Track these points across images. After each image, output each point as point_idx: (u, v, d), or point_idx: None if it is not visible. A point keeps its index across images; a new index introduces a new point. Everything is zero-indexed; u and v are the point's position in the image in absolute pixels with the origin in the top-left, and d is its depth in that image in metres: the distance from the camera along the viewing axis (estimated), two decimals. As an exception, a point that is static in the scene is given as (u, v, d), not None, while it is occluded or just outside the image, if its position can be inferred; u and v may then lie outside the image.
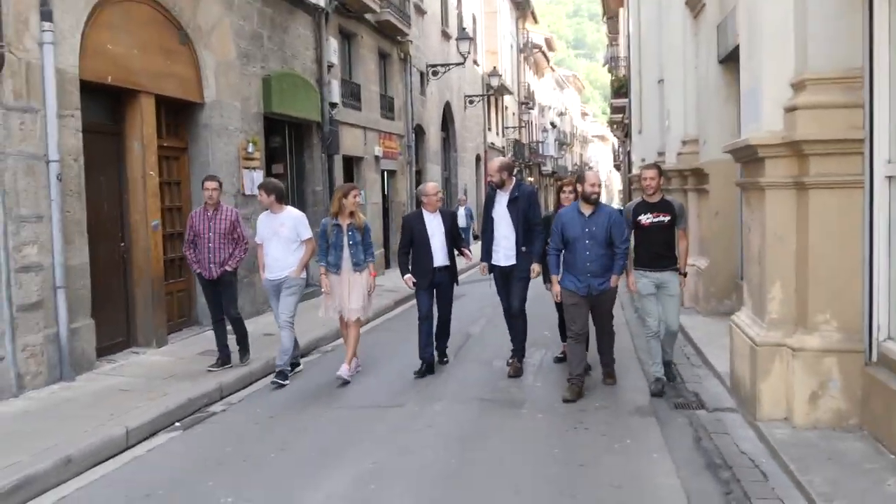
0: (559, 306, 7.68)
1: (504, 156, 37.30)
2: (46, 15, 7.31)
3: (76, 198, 7.82)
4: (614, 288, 7.01)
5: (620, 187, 58.23)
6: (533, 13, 47.44)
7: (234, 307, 8.13)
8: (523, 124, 44.74)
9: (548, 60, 54.94)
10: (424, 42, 22.51)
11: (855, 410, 5.43)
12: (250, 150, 11.41)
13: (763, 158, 5.71)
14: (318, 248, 7.85)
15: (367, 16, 16.77)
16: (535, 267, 7.65)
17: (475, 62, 29.99)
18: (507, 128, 39.52)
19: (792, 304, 5.73)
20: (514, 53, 42.35)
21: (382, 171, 18.68)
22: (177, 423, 6.53)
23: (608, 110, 45.35)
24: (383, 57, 18.81)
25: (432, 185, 8.28)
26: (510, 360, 7.93)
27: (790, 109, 5.55)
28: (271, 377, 7.76)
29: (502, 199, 7.80)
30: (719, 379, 7.20)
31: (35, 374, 7.20)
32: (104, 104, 8.83)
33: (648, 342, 7.12)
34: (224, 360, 8.05)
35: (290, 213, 7.90)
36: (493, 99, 34.77)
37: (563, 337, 7.90)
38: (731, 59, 8.99)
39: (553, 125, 56.83)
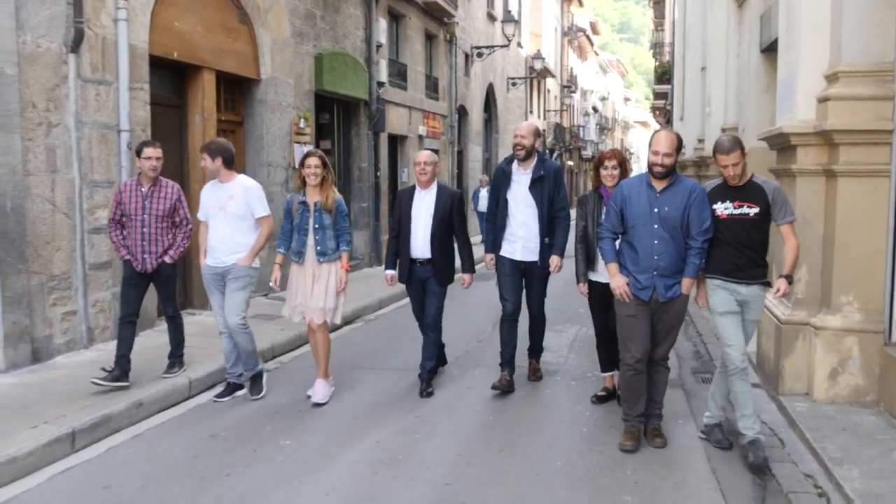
0: (602, 317, 6.09)
1: (545, 140, 37.49)
2: (121, -7, 7.81)
3: (143, 166, 8.32)
4: (685, 298, 5.14)
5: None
6: (578, -4, 47.34)
7: (171, 305, 6.61)
8: (565, 108, 44.77)
9: (591, 44, 54.77)
10: (470, 24, 22.80)
11: (872, 387, 5.75)
12: (302, 125, 11.88)
13: (795, 146, 6.02)
14: (280, 231, 6.43)
15: (416, -3, 17.13)
16: (556, 259, 6.35)
17: (519, 45, 30.16)
18: (548, 111, 39.62)
19: (817, 285, 6.04)
20: (558, 36, 42.35)
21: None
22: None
23: (651, 96, 45.18)
24: (430, 38, 19.17)
25: (424, 154, 6.64)
26: (504, 374, 6.52)
27: (823, 100, 5.84)
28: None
29: (522, 178, 6.39)
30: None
31: (103, 328, 7.75)
32: (169, 78, 9.34)
33: (731, 383, 5.02)
34: (120, 373, 6.17)
35: (242, 182, 6.35)
36: (535, 82, 34.91)
37: (606, 364, 6.28)
38: (772, 50, 9.20)
39: (595, 109, 56.72)
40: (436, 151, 19.82)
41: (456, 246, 6.62)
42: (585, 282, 6.02)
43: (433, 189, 6.54)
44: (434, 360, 6.67)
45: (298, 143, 11.88)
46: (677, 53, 20.32)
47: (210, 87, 9.70)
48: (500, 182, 6.54)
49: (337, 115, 14.16)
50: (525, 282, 6.57)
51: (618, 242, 5.23)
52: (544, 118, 38.46)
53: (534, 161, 6.42)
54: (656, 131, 5.24)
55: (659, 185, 5.07)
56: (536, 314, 6.76)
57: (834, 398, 5.85)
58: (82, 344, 7.48)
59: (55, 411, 5.56)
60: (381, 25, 15.06)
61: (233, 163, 6.37)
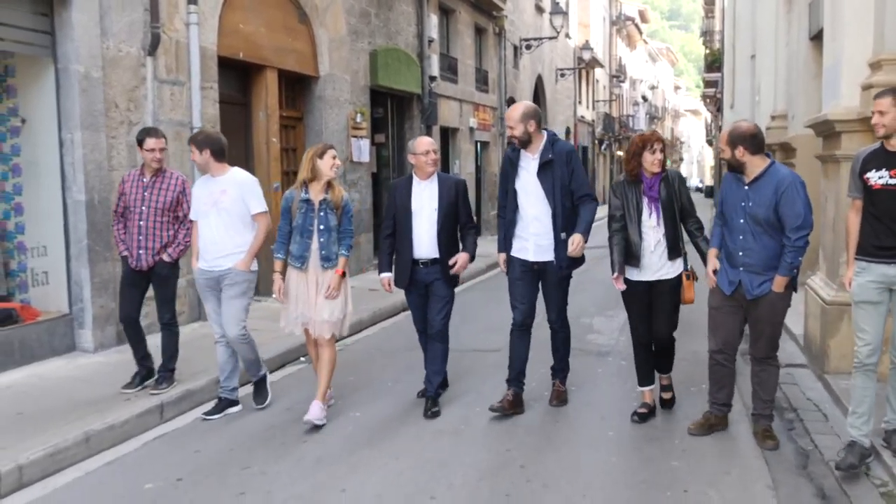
0: (642, 322, 5.45)
1: (594, 130, 37.56)
2: (192, -1, 8.33)
3: (213, 161, 8.84)
4: (779, 296, 4.81)
5: (713, 164, 57.43)
6: (627, -15, 47.14)
7: (168, 310, 6.07)
8: (614, 98, 44.67)
9: (640, 33, 54.44)
10: (518, 16, 23.05)
11: (915, 364, 5.92)
12: (358, 119, 12.34)
13: (839, 133, 6.23)
14: (277, 233, 5.62)
15: (466, -8, 17.47)
16: (577, 237, 5.37)
17: (567, 35, 30.28)
18: (597, 101, 39.62)
19: (861, 267, 6.23)
20: (606, 26, 42.26)
21: (476, 143, 19.45)
22: (302, 358, 7.48)
23: (702, 84, 44.83)
24: (479, 32, 19.50)
25: (426, 140, 5.81)
26: (509, 392, 5.73)
27: (866, 87, 6.04)
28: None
29: (529, 164, 5.55)
30: (794, 340, 7.73)
31: (179, 312, 8.25)
32: (235, 77, 9.85)
33: (853, 375, 4.60)
34: (147, 374, 6.11)
35: (236, 175, 5.72)
36: (584, 72, 34.98)
37: (644, 375, 5.61)
38: (821, 37, 9.33)
39: (644, 99, 56.38)
40: (486, 144, 20.13)
41: (460, 235, 5.88)
42: (621, 273, 5.31)
43: (434, 179, 5.75)
44: (442, 374, 5.93)
45: (355, 136, 12.32)
46: (727, 41, 20.34)
47: (273, 84, 10.19)
48: (506, 170, 5.73)
49: (391, 110, 14.59)
50: (542, 286, 5.70)
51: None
52: (593, 108, 38.48)
53: (541, 143, 5.54)
54: (737, 122, 5.10)
55: (748, 177, 4.79)
56: (557, 325, 5.82)
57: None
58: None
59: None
60: (433, 21, 15.44)
61: (224, 154, 5.70)
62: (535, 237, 5.54)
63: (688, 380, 6.41)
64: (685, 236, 5.40)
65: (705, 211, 23.10)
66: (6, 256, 7.24)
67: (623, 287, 5.34)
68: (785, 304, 4.89)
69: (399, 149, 14.93)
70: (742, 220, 4.80)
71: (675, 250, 5.28)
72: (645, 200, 5.23)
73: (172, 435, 5.48)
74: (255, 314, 7.23)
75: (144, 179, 5.92)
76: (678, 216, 5.30)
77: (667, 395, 5.74)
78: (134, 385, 6.00)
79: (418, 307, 5.95)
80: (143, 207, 5.86)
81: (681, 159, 79.46)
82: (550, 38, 24.70)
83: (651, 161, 5.19)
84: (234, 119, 9.75)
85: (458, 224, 5.81)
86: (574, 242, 5.37)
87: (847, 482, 4.39)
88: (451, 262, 5.69)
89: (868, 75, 6.12)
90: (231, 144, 8.97)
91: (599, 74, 40.12)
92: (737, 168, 4.83)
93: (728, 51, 20.05)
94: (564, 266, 5.54)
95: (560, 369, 6.02)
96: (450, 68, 17.27)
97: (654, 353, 5.57)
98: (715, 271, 5.02)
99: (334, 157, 5.49)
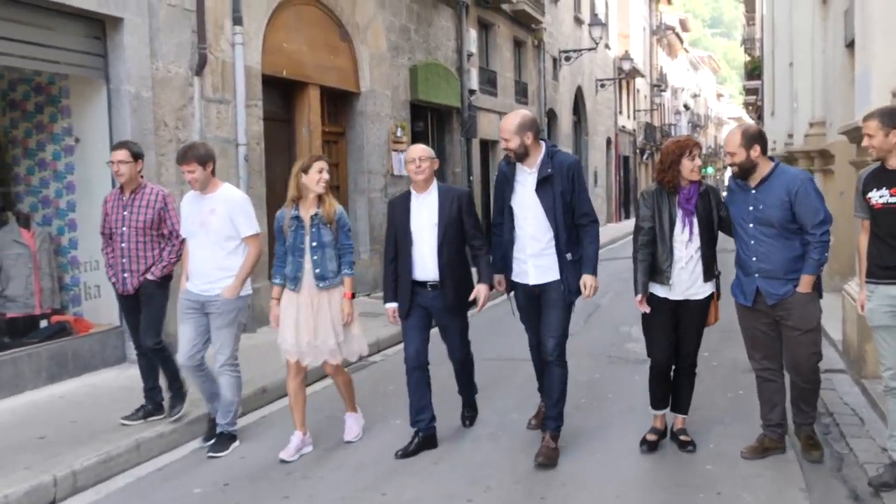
0: (665, 342, 5.03)
1: (635, 140, 37.44)
2: (237, 20, 8.63)
3: (258, 176, 9.14)
4: (808, 298, 4.61)
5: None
6: (667, -6, 46.99)
7: (153, 333, 5.50)
8: (655, 107, 44.46)
9: (681, 41, 54.13)
10: (557, 28, 23.19)
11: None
12: (399, 134, 12.59)
13: (872, 139, 6.26)
14: (275, 257, 5.29)
15: (504, 6, 17.68)
16: (590, 279, 4.93)
17: (607, 46, 30.31)
18: (638, 111, 39.49)
19: None
20: (646, 35, 42.14)
21: (516, 154, 19.56)
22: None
23: (744, 91, 44.43)
24: (518, 45, 19.68)
25: (418, 147, 5.27)
26: (542, 404, 5.46)
27: (897, 94, 6.08)
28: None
29: (526, 180, 5.02)
30: (833, 346, 7.71)
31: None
32: (278, 94, 10.16)
33: (884, 400, 4.65)
34: (154, 407, 5.70)
35: (225, 193, 5.29)
36: (624, 82, 34.91)
37: (659, 399, 5.22)
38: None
39: (686, 107, 56.00)
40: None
41: (470, 257, 5.36)
42: (645, 294, 4.91)
43: (432, 191, 5.19)
44: (474, 388, 5.70)
45: (396, 151, 12.58)
46: (766, 49, 20.24)
47: (315, 101, 10.48)
48: (501, 186, 5.19)
49: (431, 123, 14.84)
50: (538, 310, 5.13)
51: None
52: (634, 118, 38.37)
53: (540, 155, 4.99)
54: (731, 129, 4.97)
55: (753, 181, 4.66)
56: (554, 357, 5.03)
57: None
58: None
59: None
60: (472, 35, 15.66)
61: (213, 168, 5.30)
62: (533, 258, 5.03)
63: (724, 385, 6.47)
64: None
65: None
66: (60, 271, 7.56)
67: (647, 309, 4.93)
68: (816, 308, 4.68)
69: (440, 161, 15.10)
70: (752, 226, 4.66)
71: (709, 272, 4.89)
72: (680, 213, 4.82)
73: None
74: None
75: (123, 198, 5.52)
76: (715, 234, 4.94)
77: (686, 439, 5.14)
78: (135, 418, 5.60)
79: (415, 334, 5.21)
80: (124, 228, 5.46)
81: (724, 167, 78.52)
82: (589, 50, 24.76)
83: (691, 168, 4.78)
84: (278, 135, 10.04)
85: (464, 240, 5.25)
86: (587, 285, 4.95)
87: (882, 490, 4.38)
88: (471, 298, 5.25)
89: (900, 82, 6.16)
90: (275, 160, 9.27)
91: (640, 84, 40.00)
92: (748, 171, 4.65)
93: (767, 58, 19.95)
94: (574, 290, 5.00)
95: (552, 419, 5.06)
96: (489, 81, 17.46)
97: (674, 381, 5.16)
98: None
99: (321, 171, 5.05)
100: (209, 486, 4.82)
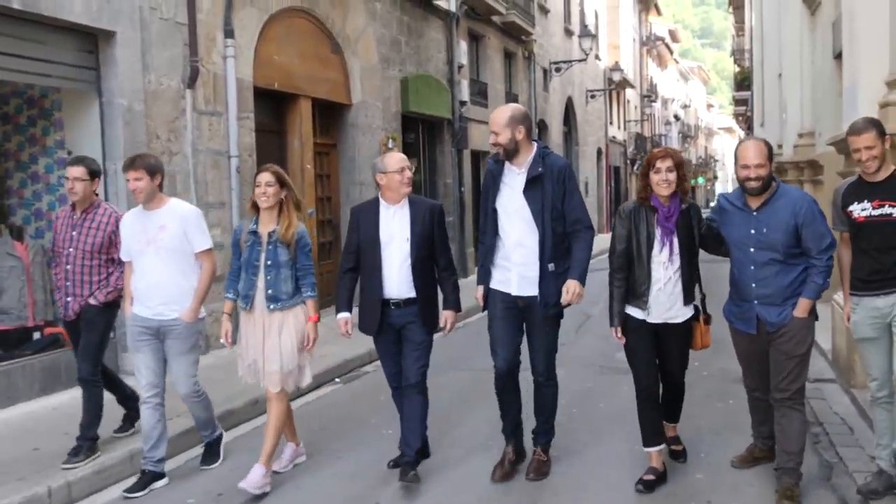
0: (649, 369, 4.70)
1: (626, 150, 37.60)
2: (229, 33, 8.68)
3: (250, 187, 9.05)
4: (803, 324, 4.38)
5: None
6: (656, 5, 47.21)
7: (89, 363, 5.16)
8: (645, 117, 44.70)
9: (671, 52, 54.50)
10: (547, 40, 23.32)
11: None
12: (390, 145, 12.62)
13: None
14: (228, 270, 5.04)
15: (494, 18, 17.77)
16: (573, 285, 4.58)
17: (597, 57, 30.48)
18: (628, 121, 39.69)
19: (885, 282, 6.29)
20: (636, 46, 42.39)
21: (507, 165, 19.65)
22: (336, 379, 7.70)
23: (733, 102, 44.72)
24: (508, 56, 19.78)
25: (397, 156, 4.97)
26: (508, 449, 4.97)
27: (884, 105, 6.14)
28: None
29: (514, 180, 4.68)
30: (824, 356, 7.77)
31: (217, 336, 8.52)
32: (270, 106, 10.19)
33: (871, 409, 4.65)
34: (90, 447, 5.18)
35: (175, 208, 4.98)
36: (614, 93, 35.10)
37: (651, 434, 4.76)
38: (844, 56, 9.47)
39: (676, 118, 56.31)
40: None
41: (437, 276, 4.94)
42: (620, 324, 4.62)
43: (405, 203, 4.83)
44: (422, 437, 4.92)
45: (387, 162, 12.60)
46: (755, 59, 20.41)
47: (307, 113, 10.52)
48: (487, 186, 4.83)
49: (422, 135, 14.90)
50: (526, 327, 4.79)
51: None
52: (625, 128, 38.55)
53: (530, 155, 4.65)
54: (741, 141, 4.60)
55: (755, 202, 4.38)
56: (543, 378, 4.81)
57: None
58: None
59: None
60: (462, 47, 15.74)
61: (161, 181, 4.99)
62: (518, 267, 4.66)
63: (714, 395, 6.52)
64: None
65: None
66: (53, 283, 7.54)
67: (623, 340, 4.66)
68: (810, 334, 4.45)
69: (431, 173, 15.20)
70: (753, 250, 4.37)
71: (689, 295, 4.60)
72: (659, 232, 4.51)
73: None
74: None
75: (74, 217, 5.19)
76: (696, 254, 4.65)
77: (678, 447, 5.10)
78: (125, 430, 5.60)
79: (391, 356, 4.95)
80: (71, 249, 5.12)
81: (715, 177, 78.94)
82: (580, 61, 24.92)
83: (657, 181, 4.45)
84: (270, 147, 10.07)
85: (434, 258, 4.86)
86: (569, 290, 4.58)
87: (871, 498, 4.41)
88: (441, 324, 4.89)
89: (885, 94, 6.23)
90: (267, 172, 9.17)
91: (630, 95, 40.21)
92: (761, 190, 4.33)
93: (756, 69, 20.11)
94: (552, 304, 4.62)
95: (543, 433, 4.96)
96: (480, 93, 17.54)
97: (662, 400, 4.86)
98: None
99: (266, 183, 4.71)
100: (203, 497, 4.84)
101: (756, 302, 4.42)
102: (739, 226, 4.44)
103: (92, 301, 5.12)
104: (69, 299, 5.17)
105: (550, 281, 4.60)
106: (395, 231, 4.77)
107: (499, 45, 18.84)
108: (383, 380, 5.22)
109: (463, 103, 15.72)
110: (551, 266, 4.59)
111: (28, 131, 7.59)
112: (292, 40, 10.16)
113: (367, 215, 4.86)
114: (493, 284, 4.80)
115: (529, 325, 4.76)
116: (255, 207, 4.82)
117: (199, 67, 8.24)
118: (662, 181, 4.44)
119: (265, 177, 4.74)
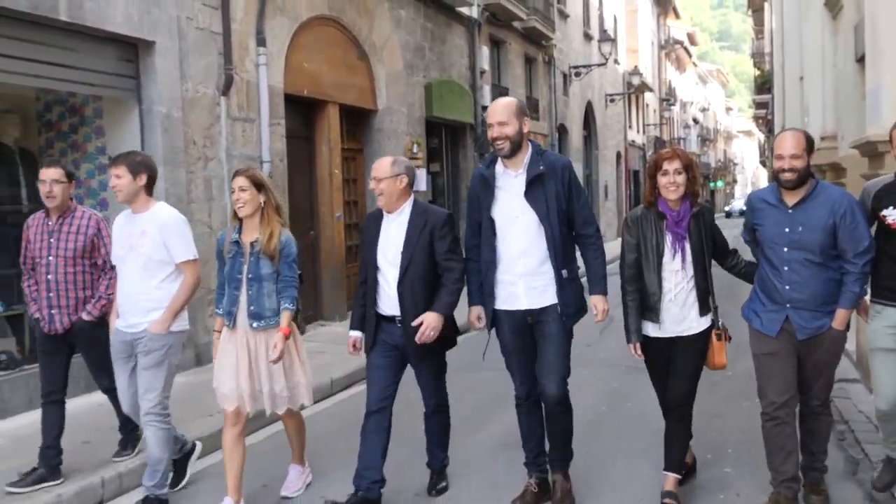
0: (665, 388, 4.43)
1: (645, 154, 37.64)
2: (261, 41, 8.92)
3: (280, 192, 9.37)
4: (840, 334, 4.15)
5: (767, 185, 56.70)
6: (675, 8, 47.23)
7: (105, 376, 4.91)
8: (664, 121, 44.69)
9: (690, 55, 54.44)
10: (567, 45, 23.47)
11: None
12: (415, 150, 12.83)
13: (882, 153, 6.44)
14: (217, 283, 4.59)
15: (515, 24, 17.96)
16: (600, 301, 4.29)
17: (616, 61, 30.57)
18: (647, 125, 39.71)
19: (909, 283, 6.38)
20: (654, 50, 42.42)
21: (528, 169, 19.82)
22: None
23: (753, 105, 44.62)
24: (529, 61, 19.95)
25: (382, 163, 4.45)
26: (531, 481, 4.52)
27: (907, 109, 6.27)
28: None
29: (512, 184, 4.25)
30: (847, 356, 7.85)
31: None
32: (299, 113, 10.42)
33: (882, 424, 4.42)
34: (47, 472, 4.79)
35: (157, 213, 4.54)
36: (633, 97, 35.16)
37: (670, 457, 4.47)
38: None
39: (695, 121, 56.21)
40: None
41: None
42: (639, 340, 4.31)
43: (404, 212, 4.42)
44: (446, 448, 4.80)
45: (412, 166, 12.81)
46: (776, 63, 20.43)
47: (335, 119, 10.75)
48: (477, 194, 4.34)
49: (445, 139, 15.11)
50: (532, 342, 4.35)
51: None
52: (643, 132, 38.58)
53: (527, 154, 4.23)
54: (779, 132, 4.33)
55: (791, 199, 4.08)
56: (555, 398, 4.31)
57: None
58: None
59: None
60: (484, 53, 15.93)
61: (153, 186, 4.61)
62: (525, 278, 4.25)
63: (741, 394, 6.64)
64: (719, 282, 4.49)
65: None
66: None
67: (642, 357, 4.37)
68: (844, 342, 4.23)
69: (453, 177, 15.40)
70: (786, 250, 4.06)
71: (704, 305, 4.27)
72: (669, 238, 4.21)
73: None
74: (320, 337, 7.56)
75: (50, 223, 4.81)
76: (709, 262, 4.31)
77: (687, 459, 4.71)
78: (24, 484, 4.67)
79: (380, 375, 4.45)
80: (50, 257, 4.76)
81: (734, 181, 78.68)
82: (599, 65, 25.03)
83: (665, 184, 4.16)
84: (300, 152, 10.29)
85: (434, 272, 4.38)
86: (598, 309, 4.28)
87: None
88: (414, 323, 4.31)
89: (909, 97, 6.35)
90: (297, 176, 9.48)
91: (649, 98, 40.24)
92: (797, 183, 4.04)
93: (777, 72, 20.14)
94: (571, 314, 4.26)
95: (560, 458, 4.47)
96: (501, 97, 17.68)
97: (665, 433, 4.50)
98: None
99: (240, 188, 4.32)
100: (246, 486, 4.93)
101: (789, 305, 4.10)
102: (774, 224, 4.12)
103: (86, 317, 4.80)
104: (53, 311, 4.76)
105: (569, 291, 4.24)
106: (390, 243, 4.42)
107: (520, 51, 19.02)
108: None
109: (485, 108, 15.88)
110: (564, 273, 4.23)
111: (70, 138, 7.84)
112: (321, 48, 10.38)
113: (372, 224, 4.56)
114: (499, 304, 4.34)
115: (541, 338, 4.31)
116: (235, 216, 4.45)
117: (233, 75, 8.48)
118: (670, 184, 4.15)
119: (238, 181, 4.36)
